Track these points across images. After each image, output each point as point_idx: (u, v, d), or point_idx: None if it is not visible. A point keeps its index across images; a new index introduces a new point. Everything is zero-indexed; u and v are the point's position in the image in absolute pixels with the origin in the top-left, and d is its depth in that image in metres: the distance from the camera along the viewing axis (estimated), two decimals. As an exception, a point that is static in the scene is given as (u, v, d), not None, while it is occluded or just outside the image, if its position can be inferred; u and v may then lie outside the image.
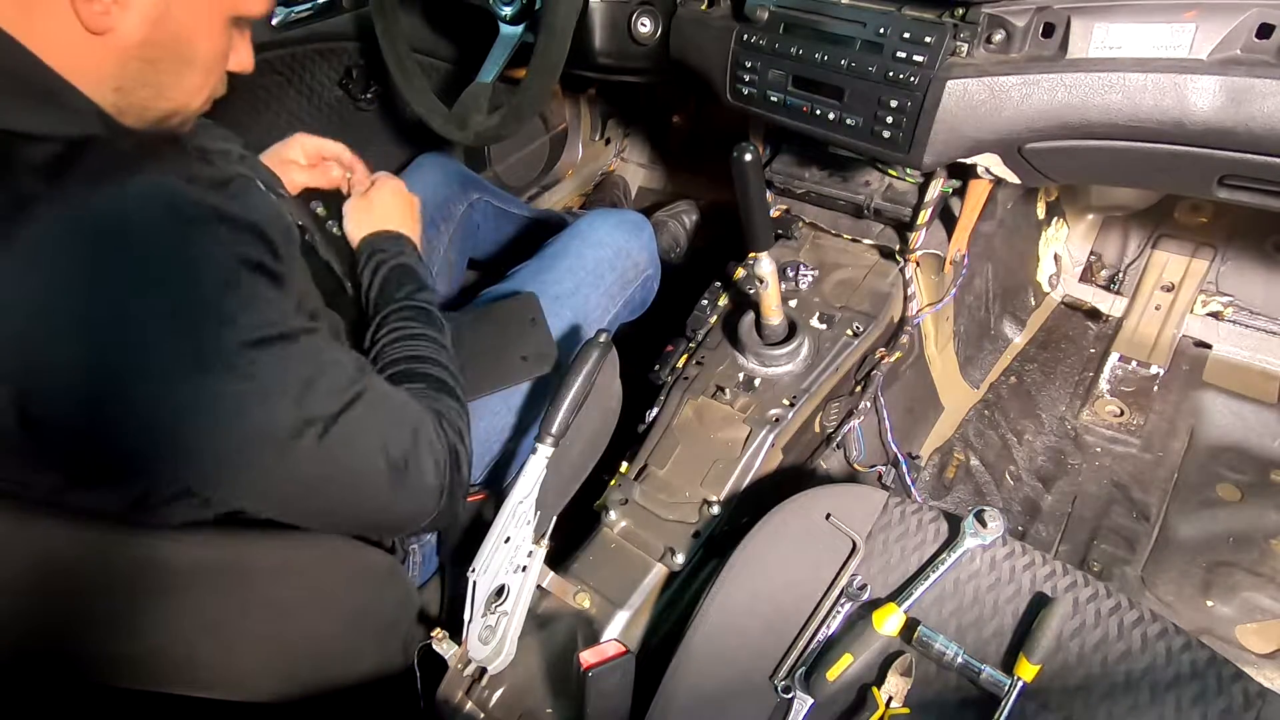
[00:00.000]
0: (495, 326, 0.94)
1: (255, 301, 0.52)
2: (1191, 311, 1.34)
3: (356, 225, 0.87)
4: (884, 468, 1.09)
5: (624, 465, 0.94)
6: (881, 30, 0.80)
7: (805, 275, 1.07)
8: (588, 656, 0.63)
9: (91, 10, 0.49)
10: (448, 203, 1.20)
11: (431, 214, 1.18)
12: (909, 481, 1.09)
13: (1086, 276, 1.45)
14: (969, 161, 0.88)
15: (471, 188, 1.24)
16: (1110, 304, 1.42)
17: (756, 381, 0.96)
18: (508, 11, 1.02)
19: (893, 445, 1.08)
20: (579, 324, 0.98)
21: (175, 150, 0.58)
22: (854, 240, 1.11)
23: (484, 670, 0.72)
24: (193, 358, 0.49)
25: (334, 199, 0.95)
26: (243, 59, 0.64)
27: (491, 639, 0.70)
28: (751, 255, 0.88)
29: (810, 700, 0.63)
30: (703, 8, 0.98)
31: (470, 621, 0.69)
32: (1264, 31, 0.67)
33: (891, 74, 0.80)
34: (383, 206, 0.88)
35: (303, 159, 0.91)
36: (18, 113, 0.48)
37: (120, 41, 0.52)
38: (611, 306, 1.04)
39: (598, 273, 1.02)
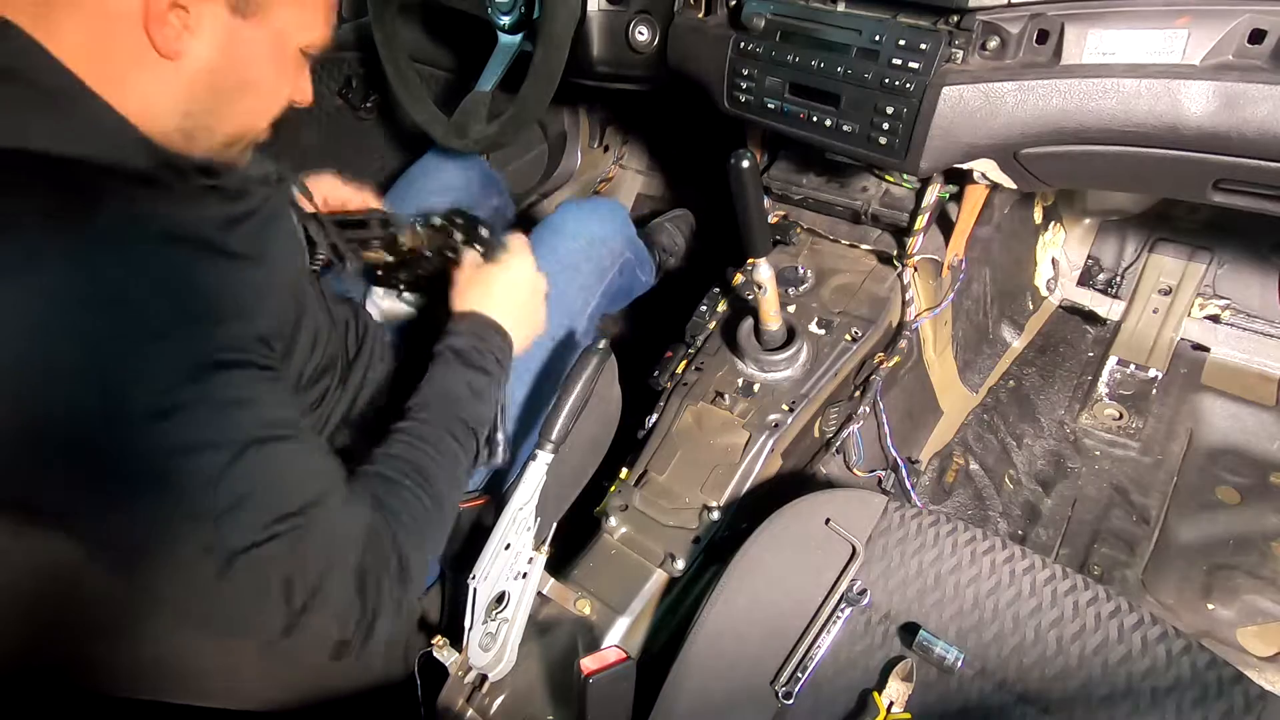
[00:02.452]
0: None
1: (216, 400, 0.50)
2: (1189, 315, 1.34)
3: (463, 298, 0.78)
4: (883, 472, 1.09)
5: (624, 471, 0.94)
6: (877, 38, 0.81)
7: (804, 281, 1.07)
8: (588, 663, 0.63)
9: (164, 35, 0.51)
10: (473, 209, 1.19)
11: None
12: (909, 486, 1.09)
13: (1084, 280, 1.46)
14: (965, 167, 0.88)
15: (494, 194, 1.23)
16: (1108, 308, 1.42)
17: (755, 387, 0.96)
18: (506, 21, 1.02)
19: (892, 450, 1.08)
20: (564, 320, 0.97)
21: (209, 196, 0.57)
22: (852, 245, 1.11)
23: (484, 677, 0.72)
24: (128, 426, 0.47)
25: (417, 272, 0.88)
26: (303, 90, 0.65)
27: (492, 646, 0.70)
28: (750, 261, 0.88)
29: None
30: (699, 16, 0.99)
31: (471, 629, 0.69)
32: (1256, 37, 0.67)
33: (887, 81, 0.81)
34: (507, 290, 0.79)
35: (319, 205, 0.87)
36: (69, 142, 0.49)
37: (190, 67, 0.54)
38: (590, 298, 1.02)
39: (572, 264, 1.01)
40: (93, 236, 0.47)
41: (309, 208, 0.77)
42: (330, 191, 0.89)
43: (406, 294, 0.91)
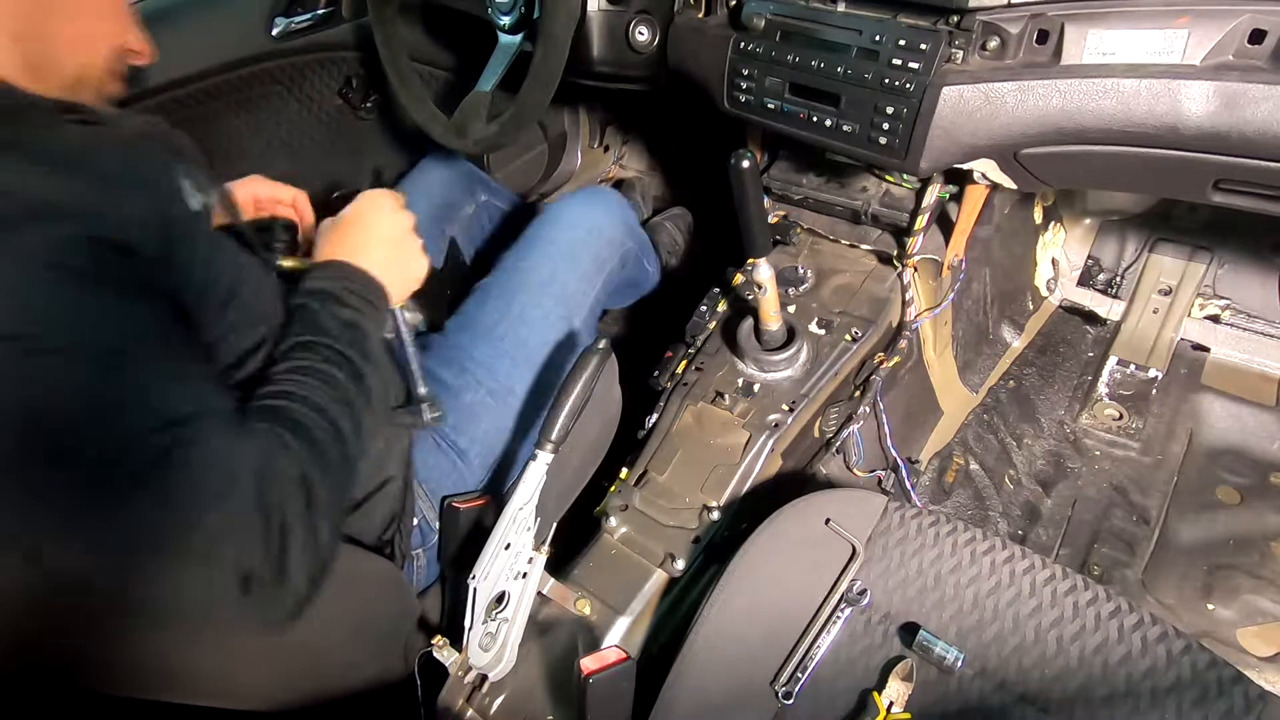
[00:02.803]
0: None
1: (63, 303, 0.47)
2: (1189, 315, 1.34)
3: (319, 253, 0.73)
4: (883, 472, 1.09)
5: (624, 471, 0.94)
6: (877, 38, 0.81)
7: (804, 281, 1.07)
8: (588, 663, 0.63)
9: None
10: (453, 206, 1.20)
11: (436, 215, 1.17)
12: (909, 486, 1.09)
13: (1084, 280, 1.46)
14: (965, 167, 0.88)
15: (479, 189, 1.23)
16: (1108, 308, 1.42)
17: (756, 387, 0.96)
18: (506, 21, 1.02)
19: (892, 450, 1.09)
20: (564, 311, 0.97)
21: (66, 124, 0.56)
22: (852, 245, 1.11)
23: (484, 677, 0.72)
24: None
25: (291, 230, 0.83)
26: (138, 39, 0.64)
27: (492, 646, 0.70)
28: (750, 261, 0.88)
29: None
30: (699, 16, 0.99)
31: (471, 629, 0.69)
32: (1255, 37, 0.67)
33: (887, 81, 0.81)
34: (366, 235, 0.73)
35: (251, 205, 0.83)
36: None
37: None
38: (590, 289, 1.02)
39: (572, 255, 1.00)
40: None
41: (219, 216, 0.71)
42: (259, 190, 0.84)
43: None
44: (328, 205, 0.93)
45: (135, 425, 0.48)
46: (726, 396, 0.96)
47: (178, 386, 0.51)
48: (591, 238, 1.03)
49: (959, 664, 0.62)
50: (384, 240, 0.74)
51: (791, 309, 1.03)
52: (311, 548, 0.52)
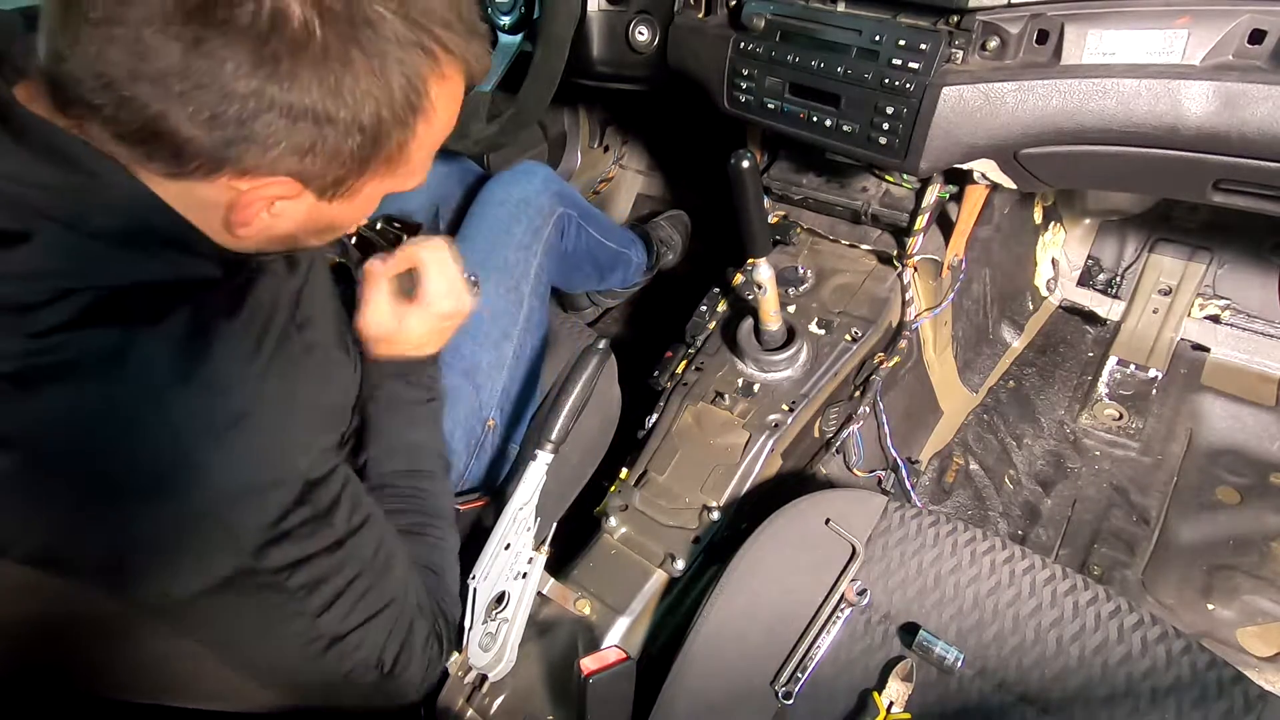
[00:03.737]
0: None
1: (301, 522, 0.51)
2: (1189, 315, 1.34)
3: (379, 333, 0.72)
4: (883, 472, 1.09)
5: (624, 471, 0.94)
6: (877, 38, 0.81)
7: (804, 281, 1.07)
8: (588, 663, 0.63)
9: (246, 219, 0.48)
10: (447, 199, 1.20)
11: (432, 209, 1.17)
12: (908, 486, 1.09)
13: (1084, 280, 1.46)
14: (965, 167, 0.88)
15: (474, 181, 1.24)
16: (1108, 308, 1.42)
17: (755, 387, 0.96)
18: (506, 21, 1.02)
19: (892, 450, 1.09)
20: (511, 282, 0.98)
21: (274, 264, 0.57)
22: (852, 245, 1.11)
23: (484, 678, 0.72)
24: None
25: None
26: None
27: (492, 646, 0.70)
28: (750, 261, 0.88)
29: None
30: (699, 16, 0.99)
31: (471, 629, 0.69)
32: (1255, 37, 0.67)
33: (887, 81, 0.81)
34: (417, 324, 0.74)
35: None
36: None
37: (264, 235, 0.52)
38: (530, 258, 1.02)
39: (505, 229, 1.01)
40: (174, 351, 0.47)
41: None
42: None
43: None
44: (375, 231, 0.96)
45: (374, 597, 0.57)
46: (726, 396, 0.96)
47: (385, 539, 0.58)
48: (521, 209, 1.04)
49: (959, 664, 0.62)
50: (435, 322, 0.75)
51: (791, 309, 1.03)
52: (432, 666, 0.64)
